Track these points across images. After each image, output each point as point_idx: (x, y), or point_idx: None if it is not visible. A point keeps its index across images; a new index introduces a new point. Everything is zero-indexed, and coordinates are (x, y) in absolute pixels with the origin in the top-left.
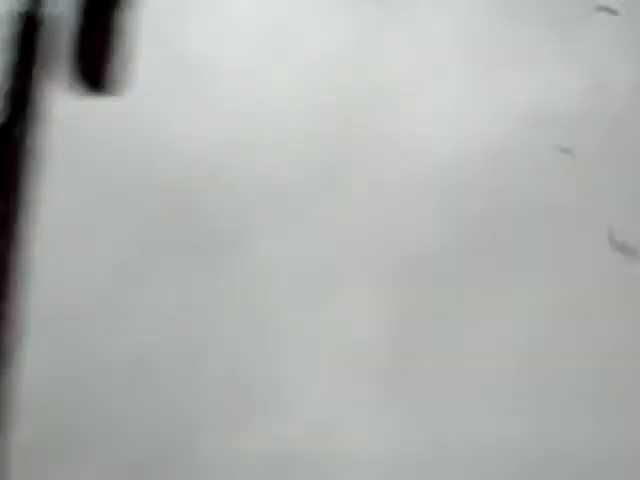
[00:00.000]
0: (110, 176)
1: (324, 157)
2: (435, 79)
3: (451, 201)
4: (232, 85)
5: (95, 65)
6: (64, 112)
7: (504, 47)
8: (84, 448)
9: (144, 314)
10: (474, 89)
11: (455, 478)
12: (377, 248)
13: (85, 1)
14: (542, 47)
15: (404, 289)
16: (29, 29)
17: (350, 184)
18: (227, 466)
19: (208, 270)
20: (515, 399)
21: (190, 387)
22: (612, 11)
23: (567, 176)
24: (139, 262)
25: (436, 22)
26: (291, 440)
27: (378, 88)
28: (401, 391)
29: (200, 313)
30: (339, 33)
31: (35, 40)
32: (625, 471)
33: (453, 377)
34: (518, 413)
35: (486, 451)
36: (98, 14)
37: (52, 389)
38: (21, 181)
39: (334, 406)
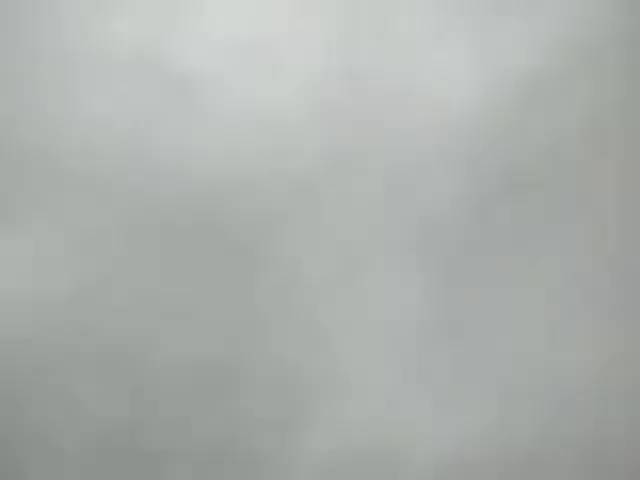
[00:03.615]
0: (140, 187)
1: (339, 142)
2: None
3: (466, 163)
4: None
5: None
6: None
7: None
8: (155, 450)
9: (196, 320)
10: (486, 44)
11: (488, 468)
12: (400, 227)
13: None
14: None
15: (430, 265)
16: None
17: (365, 169)
18: (287, 464)
19: (245, 271)
20: (550, 371)
21: (244, 390)
22: None
23: (584, 128)
24: (184, 267)
25: None
26: (350, 431)
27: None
28: (439, 373)
29: (243, 315)
30: None
31: None
32: None
33: (489, 349)
34: (553, 386)
35: (521, 435)
36: None
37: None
38: None
39: (385, 394)
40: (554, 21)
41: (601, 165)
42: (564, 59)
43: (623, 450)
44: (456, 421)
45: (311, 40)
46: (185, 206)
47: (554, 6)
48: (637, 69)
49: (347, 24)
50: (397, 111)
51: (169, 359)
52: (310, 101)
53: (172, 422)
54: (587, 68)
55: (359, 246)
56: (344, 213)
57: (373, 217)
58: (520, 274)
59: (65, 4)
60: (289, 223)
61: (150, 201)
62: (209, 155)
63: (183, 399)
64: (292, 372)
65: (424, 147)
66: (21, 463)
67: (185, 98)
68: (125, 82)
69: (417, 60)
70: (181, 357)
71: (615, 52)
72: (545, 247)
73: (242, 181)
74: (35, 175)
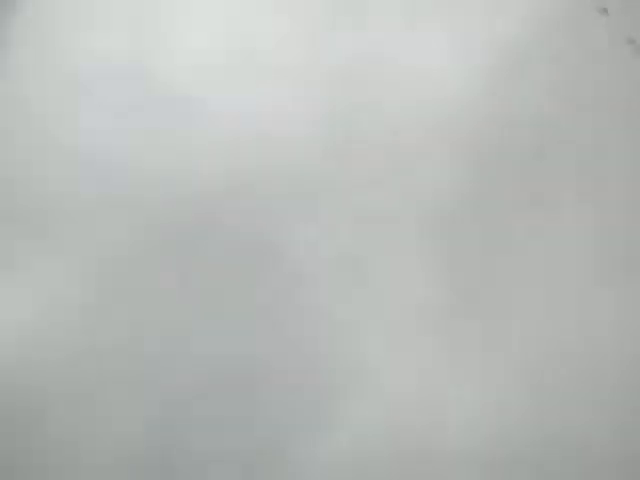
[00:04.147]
0: (141, 192)
1: (335, 137)
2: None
3: (461, 143)
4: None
5: None
6: None
7: None
8: (193, 449)
9: (211, 330)
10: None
11: (517, 433)
12: (406, 212)
13: None
14: None
15: (443, 243)
16: None
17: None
18: (321, 463)
19: (251, 276)
20: (573, 333)
21: (280, 393)
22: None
23: (579, 100)
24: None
25: None
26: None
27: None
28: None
29: (256, 320)
30: None
31: None
32: None
33: (511, 318)
34: (576, 350)
35: (549, 402)
36: None
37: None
38: None
39: (419, 378)
40: None
41: (599, 139)
42: (547, 31)
43: None
44: (484, 401)
45: (293, 39)
46: (184, 218)
47: None
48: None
49: (327, 21)
50: (388, 97)
51: (189, 372)
52: (301, 98)
53: (209, 425)
54: (569, 35)
55: (362, 237)
56: (344, 205)
57: (374, 205)
58: (526, 250)
59: (53, 24)
60: (290, 215)
61: (151, 222)
62: (204, 165)
63: (208, 408)
64: (314, 370)
65: (421, 127)
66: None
67: (175, 112)
68: (113, 100)
69: (399, 45)
70: (200, 367)
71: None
72: (548, 221)
73: (239, 185)
74: (28, 203)
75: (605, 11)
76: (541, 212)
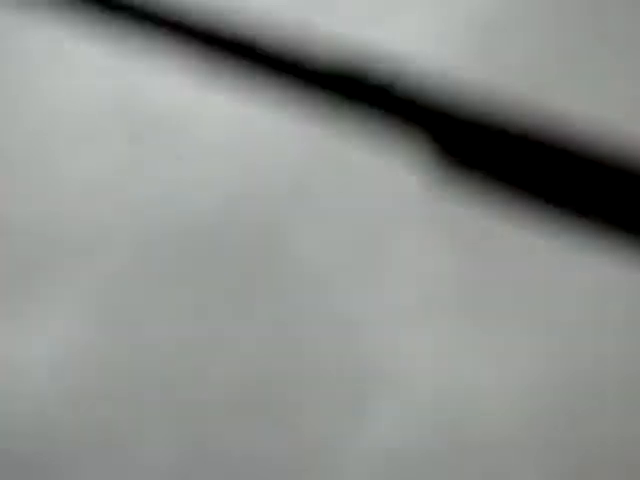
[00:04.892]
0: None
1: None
2: None
3: None
4: None
5: None
6: None
7: None
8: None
9: (233, 341)
10: None
11: (532, 410)
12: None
13: None
14: None
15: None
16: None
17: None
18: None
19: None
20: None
21: (312, 393)
22: None
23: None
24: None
25: None
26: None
27: None
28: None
29: (273, 330)
30: None
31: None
32: None
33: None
34: (589, 334)
35: (560, 378)
36: None
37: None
38: None
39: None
40: None
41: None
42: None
43: None
44: (514, 375)
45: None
46: (187, 241)
47: None
48: None
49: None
50: None
51: (212, 398)
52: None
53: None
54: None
55: (365, 229)
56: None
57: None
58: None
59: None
60: (293, 213)
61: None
62: (199, 186)
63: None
64: (340, 370)
65: None
66: None
67: (161, 136)
68: (99, 135)
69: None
70: (228, 376)
71: None
72: None
73: (240, 195)
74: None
75: None
76: None
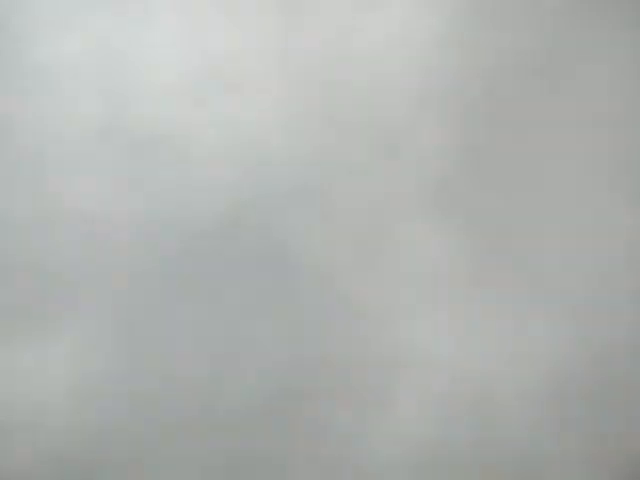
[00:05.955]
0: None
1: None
2: None
3: (448, 107)
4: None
5: None
6: None
7: None
8: (251, 443)
9: (257, 342)
10: None
11: (537, 386)
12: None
13: None
14: None
15: (452, 210)
16: None
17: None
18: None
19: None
20: (590, 300)
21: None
22: None
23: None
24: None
25: None
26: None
27: None
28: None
29: (292, 326)
30: None
31: None
32: None
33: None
34: (597, 315)
35: (563, 355)
36: None
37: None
38: None
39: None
40: None
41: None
42: None
43: None
44: (529, 358)
45: (251, 48)
46: (202, 245)
47: None
48: None
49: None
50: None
51: (238, 388)
52: (273, 102)
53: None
54: None
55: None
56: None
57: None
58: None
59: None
60: (292, 214)
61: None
62: (206, 191)
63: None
64: (362, 363)
65: (405, 98)
66: None
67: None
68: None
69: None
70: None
71: None
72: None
73: (248, 195)
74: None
75: None
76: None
